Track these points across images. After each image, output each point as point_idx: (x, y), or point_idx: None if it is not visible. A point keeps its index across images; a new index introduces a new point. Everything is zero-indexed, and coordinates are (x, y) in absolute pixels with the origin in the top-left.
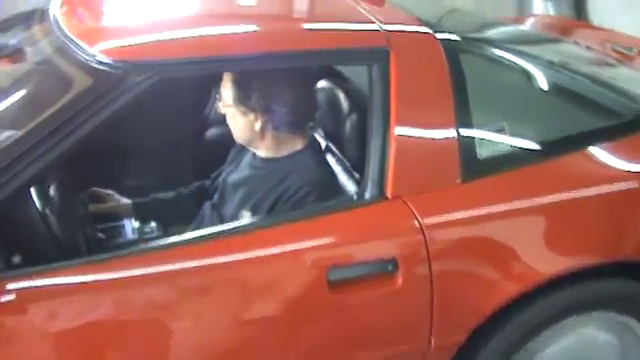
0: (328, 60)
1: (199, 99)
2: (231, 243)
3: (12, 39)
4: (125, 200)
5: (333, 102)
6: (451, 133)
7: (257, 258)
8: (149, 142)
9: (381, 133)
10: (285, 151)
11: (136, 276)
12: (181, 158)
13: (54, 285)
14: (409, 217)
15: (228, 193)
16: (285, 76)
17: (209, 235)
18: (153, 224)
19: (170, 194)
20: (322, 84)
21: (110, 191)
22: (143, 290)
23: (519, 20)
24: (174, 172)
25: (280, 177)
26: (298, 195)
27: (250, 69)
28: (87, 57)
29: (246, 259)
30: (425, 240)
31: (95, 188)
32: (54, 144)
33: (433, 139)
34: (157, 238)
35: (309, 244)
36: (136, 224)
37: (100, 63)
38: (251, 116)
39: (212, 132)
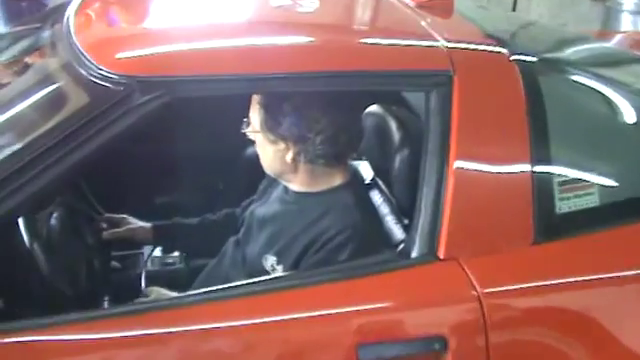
0: (375, 85)
1: (242, 109)
2: (251, 304)
3: (45, 32)
4: (143, 223)
5: (383, 131)
6: (524, 180)
7: (276, 323)
8: (184, 158)
9: (436, 176)
10: (321, 186)
11: (131, 337)
12: (217, 177)
13: (33, 342)
14: (465, 286)
15: (254, 230)
16: (323, 99)
17: (219, 294)
18: (176, 254)
19: (194, 220)
20: (372, 109)
21: (124, 215)
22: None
23: (604, 36)
24: (208, 192)
25: (314, 217)
26: (334, 243)
27: (279, 91)
28: (89, 69)
29: (266, 324)
30: (484, 316)
31: (108, 214)
32: (40, 170)
33: (501, 187)
34: (179, 271)
35: (336, 312)
36: (158, 252)
37: (101, 77)
38: (281, 145)
39: (253, 150)
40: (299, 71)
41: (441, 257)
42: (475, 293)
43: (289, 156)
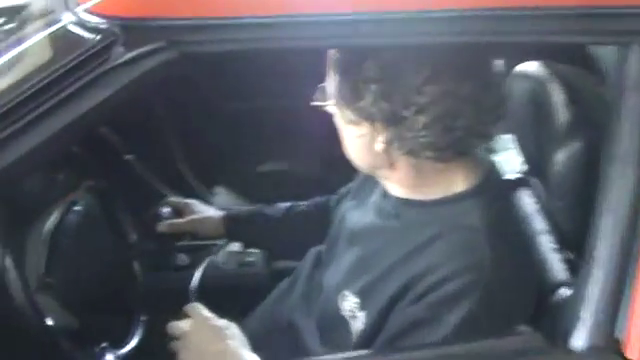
0: (522, 34)
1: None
2: None
3: None
4: (214, 212)
5: (542, 104)
6: None
7: None
8: (291, 117)
9: (631, 194)
10: (433, 192)
11: None
12: (332, 141)
13: None
14: None
15: (341, 244)
16: (430, 57)
17: None
18: (257, 251)
19: (278, 210)
20: (526, 68)
21: (191, 199)
22: None
23: None
24: (320, 160)
25: (419, 243)
26: (443, 292)
27: (356, 45)
28: (68, 14)
29: None
30: None
31: (171, 198)
32: None
33: None
34: (258, 275)
35: None
36: (236, 246)
37: (78, 24)
38: (365, 127)
39: None
40: (392, 10)
41: (629, 357)
42: None
43: (379, 144)
